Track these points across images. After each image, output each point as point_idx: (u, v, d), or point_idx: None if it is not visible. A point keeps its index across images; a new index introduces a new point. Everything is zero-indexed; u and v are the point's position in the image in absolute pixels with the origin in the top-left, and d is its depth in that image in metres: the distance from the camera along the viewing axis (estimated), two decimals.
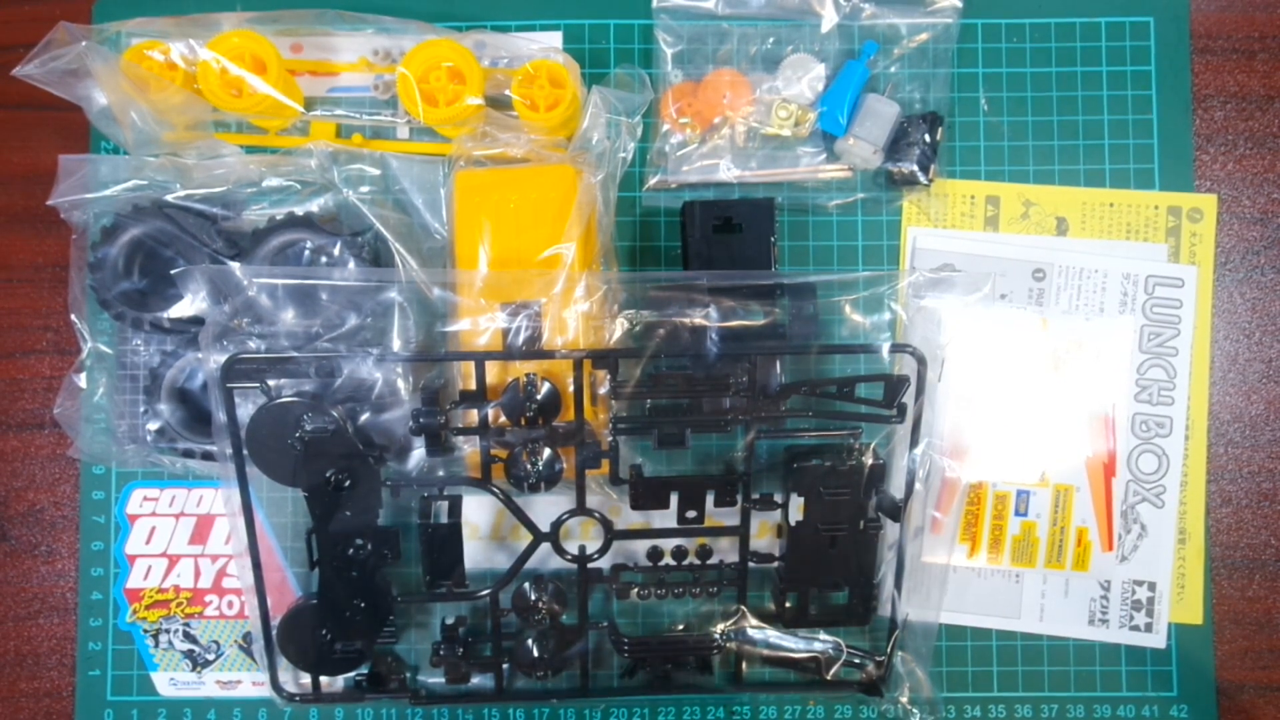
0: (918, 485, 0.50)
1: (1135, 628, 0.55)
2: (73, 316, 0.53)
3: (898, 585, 0.52)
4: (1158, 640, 0.55)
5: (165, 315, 0.52)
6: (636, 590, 0.53)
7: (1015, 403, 0.55)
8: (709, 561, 0.53)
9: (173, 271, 0.51)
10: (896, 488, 0.52)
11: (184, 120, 0.54)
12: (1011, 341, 0.55)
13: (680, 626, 0.55)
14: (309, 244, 0.52)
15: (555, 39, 0.56)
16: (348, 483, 0.49)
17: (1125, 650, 0.56)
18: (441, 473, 0.51)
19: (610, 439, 0.49)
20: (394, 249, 0.53)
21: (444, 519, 0.51)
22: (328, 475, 0.48)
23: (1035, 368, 0.55)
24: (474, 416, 0.49)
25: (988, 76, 0.57)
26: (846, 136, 0.54)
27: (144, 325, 0.52)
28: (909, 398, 0.49)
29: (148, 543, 0.56)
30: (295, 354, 0.48)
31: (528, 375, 0.48)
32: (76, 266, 0.53)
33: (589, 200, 0.50)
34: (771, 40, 0.56)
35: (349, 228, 0.53)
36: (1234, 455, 0.56)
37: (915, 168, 0.54)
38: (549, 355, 0.48)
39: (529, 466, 0.49)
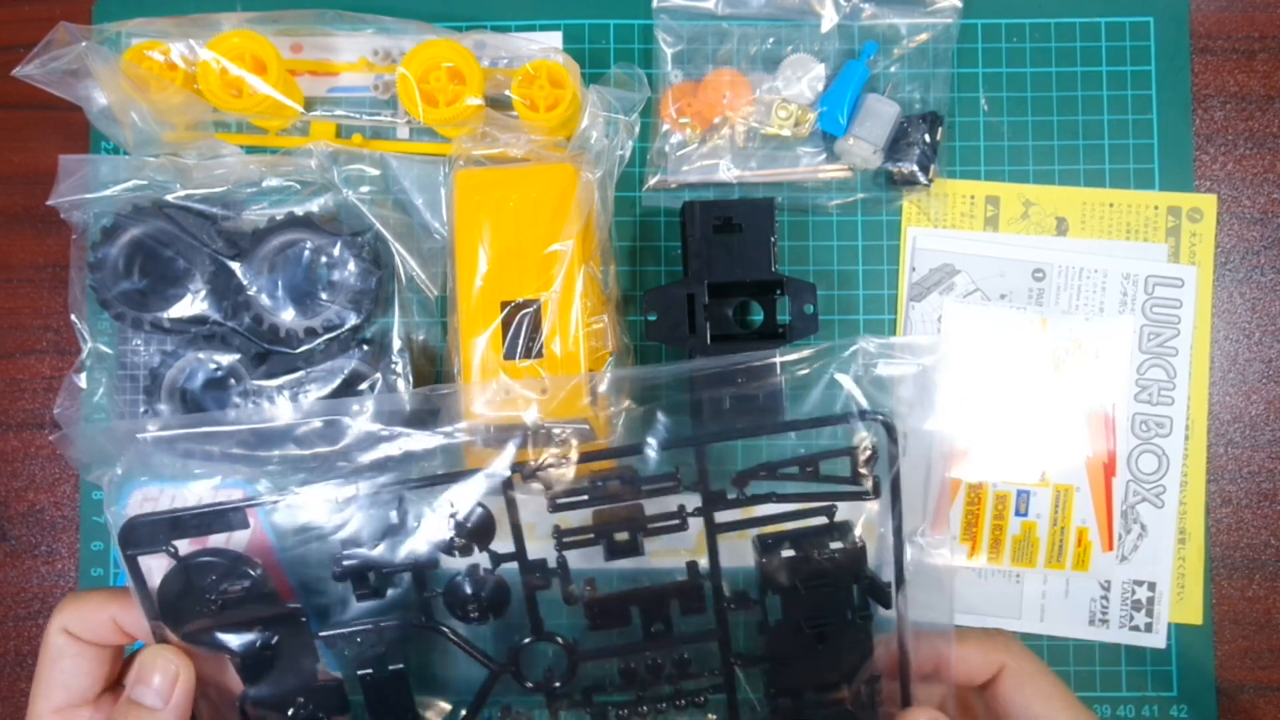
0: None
1: (1135, 628, 0.55)
2: (73, 316, 0.53)
3: (904, 678, 0.44)
4: (1158, 640, 0.55)
5: (165, 315, 0.52)
6: (615, 712, 0.46)
7: (1015, 403, 0.55)
8: (688, 672, 0.46)
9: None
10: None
11: (184, 120, 0.54)
12: (1011, 341, 0.55)
13: None
14: (309, 244, 0.52)
15: (555, 39, 0.56)
16: (275, 640, 0.43)
17: (1125, 650, 0.55)
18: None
19: (556, 556, 0.44)
20: (394, 249, 0.53)
21: (386, 666, 0.45)
22: (252, 637, 0.43)
23: (1035, 368, 0.55)
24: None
25: (988, 76, 0.56)
26: (846, 136, 0.54)
27: (144, 325, 0.52)
28: (882, 471, 0.43)
29: None
30: (197, 509, 0.42)
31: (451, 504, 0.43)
32: (76, 266, 0.53)
33: (587, 197, 0.50)
34: (771, 40, 0.56)
35: (349, 228, 0.53)
36: (1234, 455, 0.56)
37: (915, 168, 0.54)
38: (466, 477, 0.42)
39: (470, 596, 0.44)
